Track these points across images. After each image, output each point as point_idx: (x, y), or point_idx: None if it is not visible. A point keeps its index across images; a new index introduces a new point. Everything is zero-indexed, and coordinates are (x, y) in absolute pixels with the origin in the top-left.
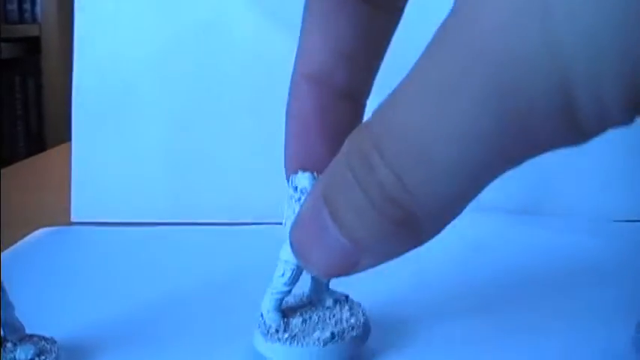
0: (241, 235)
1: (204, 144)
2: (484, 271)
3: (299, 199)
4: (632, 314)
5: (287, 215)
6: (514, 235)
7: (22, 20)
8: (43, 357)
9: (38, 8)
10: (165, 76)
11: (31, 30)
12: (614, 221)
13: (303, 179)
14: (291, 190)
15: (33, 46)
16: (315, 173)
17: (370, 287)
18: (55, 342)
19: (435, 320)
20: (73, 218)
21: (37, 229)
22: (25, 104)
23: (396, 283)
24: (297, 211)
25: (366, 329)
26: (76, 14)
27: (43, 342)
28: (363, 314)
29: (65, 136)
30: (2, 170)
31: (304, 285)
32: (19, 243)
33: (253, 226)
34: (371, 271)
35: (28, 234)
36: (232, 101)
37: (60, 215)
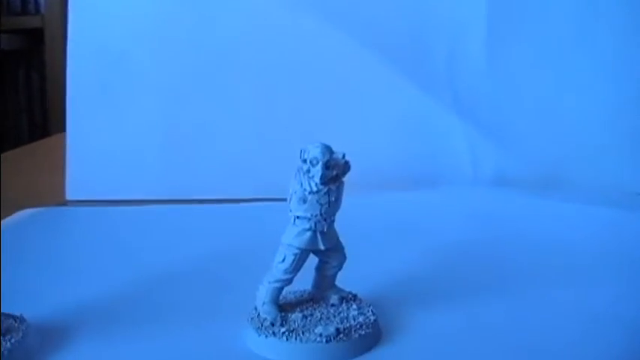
0: (238, 212)
1: (200, 121)
2: (500, 248)
3: (307, 170)
4: None
5: (293, 189)
6: (533, 208)
7: (25, 12)
8: (8, 336)
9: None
10: (161, 54)
11: (34, 21)
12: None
13: (314, 149)
14: (300, 162)
15: (36, 37)
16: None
17: (383, 286)
18: (25, 320)
19: (454, 319)
20: (68, 197)
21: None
22: (29, 96)
23: (413, 280)
24: (304, 185)
25: (375, 330)
26: None
27: (9, 320)
28: (373, 314)
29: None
30: (2, 155)
31: (306, 282)
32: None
33: (252, 203)
34: (384, 268)
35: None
36: (228, 79)
37: (56, 196)
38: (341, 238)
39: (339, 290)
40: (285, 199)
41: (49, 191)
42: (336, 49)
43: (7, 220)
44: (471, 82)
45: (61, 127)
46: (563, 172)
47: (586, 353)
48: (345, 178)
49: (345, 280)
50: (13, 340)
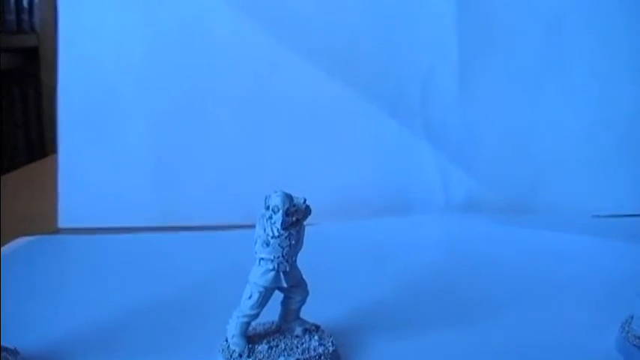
0: (227, 239)
1: (189, 148)
2: (470, 274)
3: (270, 217)
4: (616, 312)
5: (257, 234)
6: (501, 233)
7: (20, 30)
8: None
9: (36, 18)
10: (150, 82)
11: (29, 40)
12: (593, 216)
13: (275, 198)
14: (263, 209)
15: (32, 56)
16: (286, 192)
17: (343, 316)
18: (18, 353)
19: (414, 348)
20: (61, 224)
21: (21, 235)
22: (25, 114)
23: (379, 309)
24: (267, 230)
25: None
26: (60, 20)
27: (4, 353)
28: (333, 344)
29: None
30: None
31: (275, 314)
32: None
33: (240, 230)
34: (351, 298)
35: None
36: (216, 105)
37: (47, 221)
38: (313, 268)
39: (303, 322)
40: None
41: (43, 217)
42: (313, 82)
43: (2, 249)
44: (443, 110)
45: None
46: (531, 197)
47: None
48: (308, 220)
49: (311, 310)
50: None
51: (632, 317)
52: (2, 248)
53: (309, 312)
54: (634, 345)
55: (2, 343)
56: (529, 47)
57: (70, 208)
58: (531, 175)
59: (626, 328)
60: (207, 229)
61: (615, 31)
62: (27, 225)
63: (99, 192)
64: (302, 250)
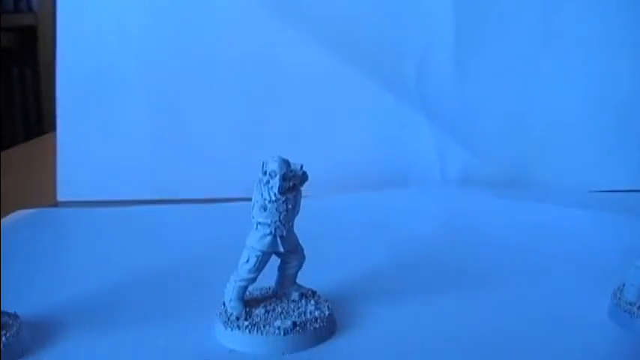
0: (223, 211)
1: (187, 123)
2: (465, 245)
3: (267, 182)
4: (609, 282)
5: (255, 198)
6: (496, 206)
7: (17, 9)
8: (3, 331)
9: None
10: (147, 58)
11: (26, 19)
12: (590, 192)
13: (272, 163)
14: (260, 174)
15: (29, 35)
16: (283, 158)
17: (340, 283)
18: (18, 317)
19: (409, 314)
20: (60, 198)
21: (21, 209)
22: (23, 94)
23: (375, 277)
24: (264, 194)
25: (330, 324)
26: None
27: (4, 317)
28: (329, 309)
29: None
30: None
31: (271, 279)
32: None
33: (237, 203)
34: (349, 266)
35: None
36: (214, 80)
37: (46, 195)
38: (312, 238)
39: (300, 287)
40: None
41: (41, 192)
42: (312, 58)
43: (1, 222)
44: (440, 86)
45: (55, 125)
46: (526, 173)
47: (540, 350)
48: (305, 186)
49: (308, 277)
50: (8, 335)
51: (623, 285)
52: (2, 220)
53: (306, 278)
54: (625, 311)
55: (2, 308)
56: (526, 25)
57: (68, 182)
58: (527, 152)
59: (618, 295)
60: (204, 202)
61: (610, 11)
62: (26, 199)
63: (97, 166)
64: (301, 220)
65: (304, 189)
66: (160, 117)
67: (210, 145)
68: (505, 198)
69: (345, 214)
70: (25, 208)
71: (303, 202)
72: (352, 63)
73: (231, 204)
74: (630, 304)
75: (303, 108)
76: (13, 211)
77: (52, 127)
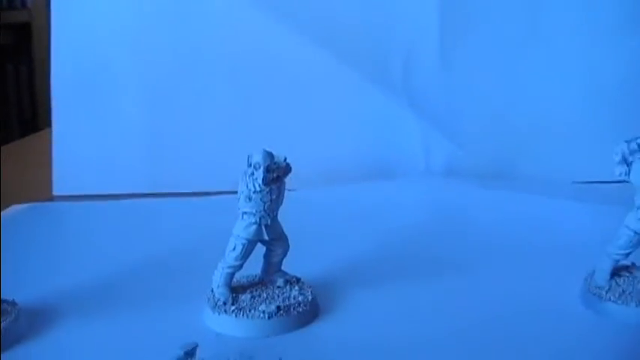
0: (215, 204)
1: (179, 118)
2: (448, 234)
3: (252, 173)
4: (584, 268)
5: (241, 189)
6: (480, 196)
7: (11, 6)
8: (3, 317)
9: None
10: (140, 54)
11: (20, 16)
12: (573, 182)
13: (257, 155)
14: (245, 166)
15: (24, 32)
16: (267, 150)
17: (324, 271)
18: (16, 304)
19: (391, 300)
20: (55, 192)
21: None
22: (18, 91)
23: (359, 265)
24: (249, 185)
25: (313, 308)
26: None
27: (3, 304)
28: (312, 294)
29: None
30: None
31: (257, 267)
32: None
33: (226, 195)
34: (334, 254)
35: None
36: (205, 77)
37: (42, 190)
38: (298, 228)
39: (284, 274)
40: None
41: (37, 187)
42: (300, 53)
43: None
44: (426, 81)
45: (50, 122)
46: (511, 165)
47: (515, 332)
48: (293, 178)
49: (293, 265)
50: (7, 321)
51: (594, 271)
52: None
53: (291, 266)
54: (593, 294)
55: (2, 297)
56: (511, 19)
57: (63, 177)
58: (511, 143)
59: (589, 280)
60: (195, 195)
61: (597, 2)
62: (23, 193)
63: (91, 161)
64: (288, 211)
65: (292, 182)
66: (153, 112)
67: (201, 140)
68: (489, 189)
69: (330, 206)
70: (21, 202)
71: (290, 194)
72: (339, 58)
73: (221, 197)
74: (599, 288)
75: (292, 102)
76: (10, 205)
77: (47, 124)
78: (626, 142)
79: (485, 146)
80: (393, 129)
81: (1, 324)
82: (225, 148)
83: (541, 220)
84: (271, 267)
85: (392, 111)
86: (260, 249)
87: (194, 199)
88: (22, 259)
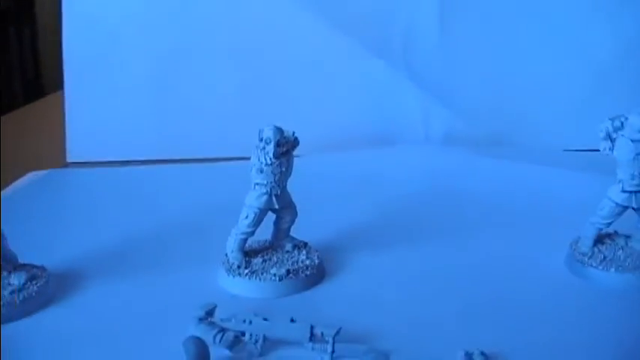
0: (225, 170)
1: (189, 85)
2: (445, 200)
3: (263, 147)
4: (570, 235)
5: (253, 162)
6: (476, 163)
7: None
8: (34, 282)
9: None
10: (153, 17)
11: None
12: (565, 150)
13: (268, 131)
14: (257, 141)
15: None
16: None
17: (329, 236)
18: (45, 269)
19: (392, 263)
20: (69, 159)
21: (35, 171)
22: (20, 53)
23: (362, 230)
24: (261, 159)
25: (320, 271)
26: None
27: (34, 269)
28: (319, 258)
29: (61, 85)
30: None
31: (268, 233)
32: (11, 186)
33: (237, 162)
34: (337, 219)
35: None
36: (214, 45)
37: (55, 157)
38: (301, 193)
39: (293, 239)
40: None
41: (50, 153)
42: (303, 22)
43: (17, 183)
44: (425, 51)
45: (55, 82)
46: (507, 133)
47: (502, 294)
48: (297, 152)
49: (301, 230)
50: (39, 285)
51: (579, 237)
52: (15, 182)
53: (299, 232)
54: (577, 260)
55: (32, 262)
56: None
57: (77, 144)
58: (507, 113)
59: (574, 247)
60: (207, 161)
61: None
62: (36, 161)
63: (104, 128)
64: (293, 178)
65: (297, 149)
66: (166, 79)
67: (210, 107)
68: (484, 156)
69: (332, 171)
70: (34, 170)
71: (295, 160)
72: (341, 29)
73: (232, 163)
74: (583, 254)
75: (296, 72)
76: (24, 173)
77: (52, 89)
78: (610, 119)
79: (482, 115)
80: (394, 98)
81: (34, 287)
82: (234, 115)
83: (532, 187)
84: (280, 233)
85: (392, 81)
86: (270, 216)
87: (206, 165)
88: (43, 226)
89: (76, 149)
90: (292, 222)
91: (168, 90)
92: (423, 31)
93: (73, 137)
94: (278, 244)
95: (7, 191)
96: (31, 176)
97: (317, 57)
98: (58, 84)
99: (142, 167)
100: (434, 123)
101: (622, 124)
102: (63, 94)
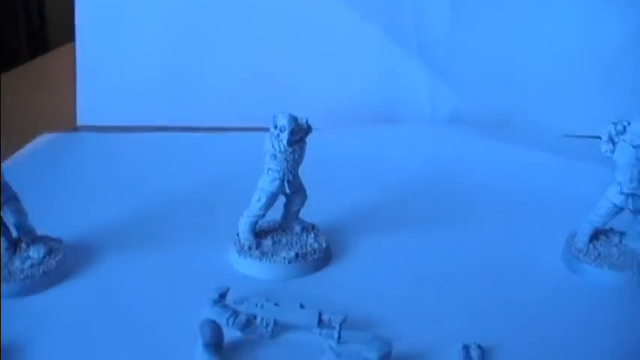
0: (234, 140)
1: (201, 55)
2: (449, 181)
3: (277, 135)
4: (566, 229)
5: (266, 148)
6: (478, 145)
7: None
8: (53, 255)
9: None
10: None
11: None
12: (565, 136)
13: (282, 119)
14: (271, 127)
15: None
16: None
17: (340, 217)
18: (62, 242)
19: (396, 246)
20: (79, 122)
21: (42, 132)
22: (25, 5)
23: (368, 212)
24: (275, 146)
25: (327, 254)
26: None
27: (51, 242)
28: (326, 241)
29: (68, 36)
30: (4, 74)
31: (277, 214)
32: (24, 148)
33: (246, 132)
34: (344, 201)
35: (32, 138)
36: (225, 16)
37: (65, 118)
38: (307, 170)
39: (302, 222)
40: None
41: (59, 114)
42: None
43: (28, 146)
44: (435, 31)
45: (60, 35)
46: (511, 115)
47: (498, 285)
48: (308, 138)
49: (309, 211)
50: (57, 259)
51: (575, 232)
52: (28, 145)
53: (305, 212)
54: (573, 256)
55: (47, 234)
56: None
57: (87, 107)
58: (512, 95)
59: (570, 242)
60: (218, 130)
61: None
62: (46, 121)
63: (115, 92)
64: None
65: None
66: (176, 46)
67: (221, 77)
68: (488, 138)
69: (339, 148)
70: (46, 129)
71: None
72: (353, 6)
73: (241, 133)
74: (579, 250)
75: (306, 47)
76: (35, 133)
77: (56, 38)
78: (613, 123)
79: (488, 96)
80: (402, 77)
81: (53, 262)
82: (243, 86)
83: (533, 174)
84: (290, 215)
85: (402, 59)
86: (281, 197)
87: (215, 134)
88: (56, 193)
89: (86, 112)
90: (302, 205)
91: (182, 57)
92: (435, 11)
93: (84, 100)
94: (287, 225)
95: (23, 153)
96: (42, 139)
97: (328, 33)
98: (64, 36)
99: (154, 134)
100: (440, 103)
101: (624, 128)
102: (72, 47)
